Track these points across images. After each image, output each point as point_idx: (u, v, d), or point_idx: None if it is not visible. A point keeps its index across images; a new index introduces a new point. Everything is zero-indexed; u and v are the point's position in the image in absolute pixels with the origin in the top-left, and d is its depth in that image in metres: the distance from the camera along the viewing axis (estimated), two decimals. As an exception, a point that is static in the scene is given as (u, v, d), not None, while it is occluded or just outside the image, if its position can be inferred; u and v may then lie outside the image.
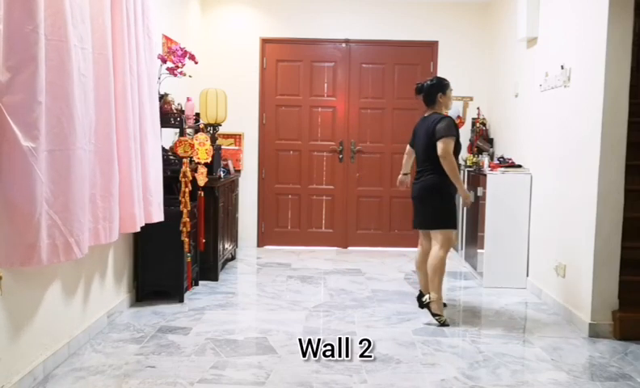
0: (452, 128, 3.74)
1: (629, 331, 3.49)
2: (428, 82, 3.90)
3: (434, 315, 3.74)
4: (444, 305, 3.91)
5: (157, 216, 3.69)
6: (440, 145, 3.68)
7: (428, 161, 3.80)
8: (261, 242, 6.22)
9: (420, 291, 4.02)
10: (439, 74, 6.05)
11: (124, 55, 3.24)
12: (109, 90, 3.09)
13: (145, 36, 3.57)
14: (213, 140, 4.67)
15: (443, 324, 3.69)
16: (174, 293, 4.07)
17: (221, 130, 5.17)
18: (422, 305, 3.91)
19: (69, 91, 2.62)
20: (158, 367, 2.93)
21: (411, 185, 4.04)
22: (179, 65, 4.04)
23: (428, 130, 3.78)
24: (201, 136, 4.28)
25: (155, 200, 3.65)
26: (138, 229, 3.47)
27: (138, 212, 3.44)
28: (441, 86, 3.88)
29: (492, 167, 4.85)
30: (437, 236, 3.78)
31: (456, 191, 3.81)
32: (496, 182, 4.68)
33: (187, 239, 3.97)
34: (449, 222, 3.80)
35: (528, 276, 4.65)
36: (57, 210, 2.57)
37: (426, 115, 3.93)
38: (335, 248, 6.20)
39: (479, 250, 4.86)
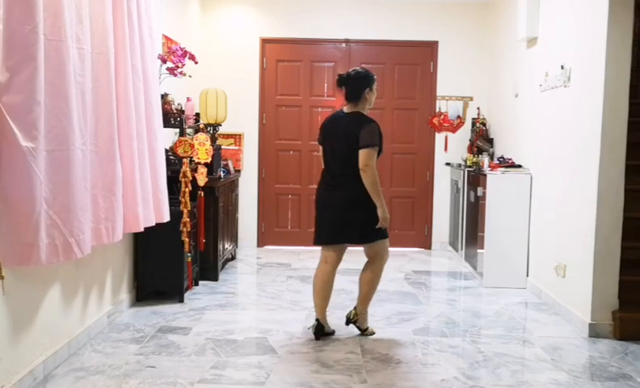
0: (377, 135, 3.23)
1: (629, 331, 3.49)
2: (353, 73, 3.37)
3: (364, 330, 3.46)
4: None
5: (159, 217, 3.68)
6: (361, 155, 3.18)
7: (351, 167, 3.23)
8: (261, 242, 6.22)
9: (318, 320, 3.38)
10: (439, 74, 6.11)
11: (126, 55, 3.23)
12: (110, 91, 3.08)
13: (146, 36, 3.57)
14: (213, 140, 4.67)
15: (371, 333, 3.47)
16: (174, 293, 4.07)
17: (221, 130, 5.17)
18: (348, 322, 3.50)
19: (68, 91, 2.61)
20: (158, 367, 2.93)
21: (319, 191, 3.44)
22: (179, 65, 4.04)
23: (351, 132, 3.23)
24: (201, 136, 4.28)
25: (162, 199, 3.65)
26: (142, 229, 3.45)
27: (142, 212, 3.42)
28: (369, 79, 3.35)
29: (492, 167, 4.85)
30: (375, 248, 3.37)
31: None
32: (496, 182, 4.68)
33: (187, 239, 3.97)
34: (385, 231, 3.35)
35: (528, 276, 4.64)
36: (57, 210, 2.57)
37: (346, 111, 3.39)
38: (335, 248, 6.19)
39: (479, 250, 4.86)
